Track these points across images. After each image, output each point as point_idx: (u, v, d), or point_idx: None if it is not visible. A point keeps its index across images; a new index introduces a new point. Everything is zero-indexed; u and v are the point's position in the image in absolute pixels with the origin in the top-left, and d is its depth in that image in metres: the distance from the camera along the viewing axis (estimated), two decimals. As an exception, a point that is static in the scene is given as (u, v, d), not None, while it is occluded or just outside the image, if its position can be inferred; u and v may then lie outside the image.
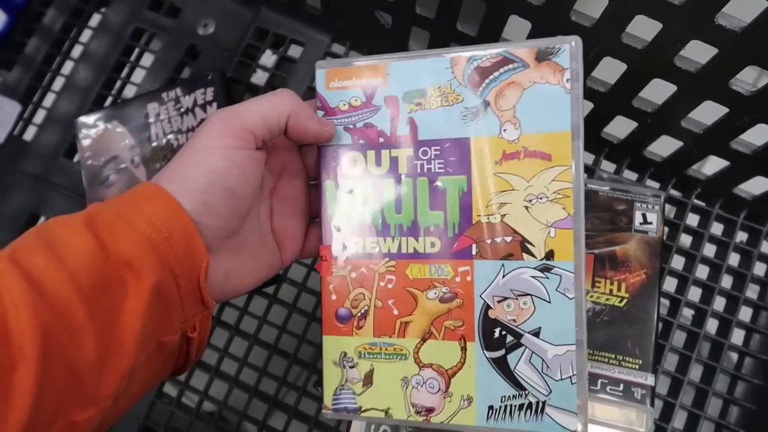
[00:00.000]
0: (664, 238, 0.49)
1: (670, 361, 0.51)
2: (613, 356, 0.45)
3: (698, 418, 0.49)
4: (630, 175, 0.56)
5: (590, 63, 0.45)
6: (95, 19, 0.66)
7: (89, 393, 0.27)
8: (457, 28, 0.48)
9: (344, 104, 0.37)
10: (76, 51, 0.65)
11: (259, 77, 0.61)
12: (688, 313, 0.53)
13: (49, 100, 0.64)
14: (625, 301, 0.47)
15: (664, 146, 0.51)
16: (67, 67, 0.65)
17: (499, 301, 0.35)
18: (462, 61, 0.35)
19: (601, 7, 0.39)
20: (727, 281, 0.53)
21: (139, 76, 0.64)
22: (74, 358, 0.26)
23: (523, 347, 0.35)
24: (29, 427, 0.24)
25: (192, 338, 0.32)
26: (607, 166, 0.56)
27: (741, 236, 0.54)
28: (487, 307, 0.35)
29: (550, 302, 0.34)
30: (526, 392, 0.34)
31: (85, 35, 0.66)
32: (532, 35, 0.45)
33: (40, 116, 0.64)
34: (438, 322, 0.36)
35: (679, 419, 0.50)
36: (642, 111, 0.47)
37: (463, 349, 0.35)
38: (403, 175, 0.36)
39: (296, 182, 0.38)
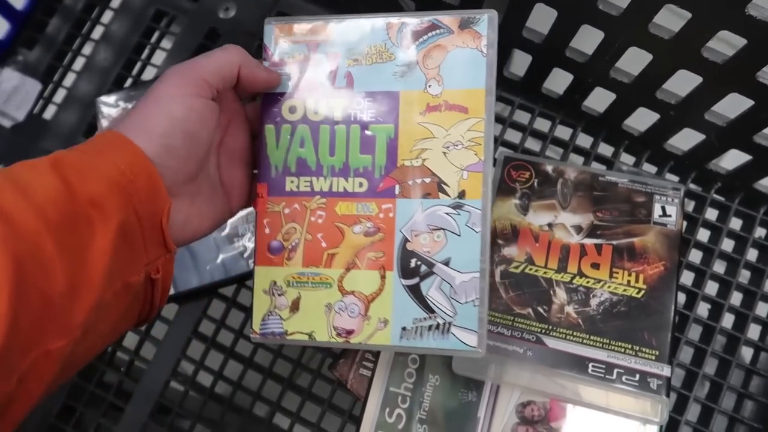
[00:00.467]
0: (683, 231, 0.49)
1: (686, 354, 0.51)
2: (630, 347, 0.45)
3: (712, 411, 0.49)
4: (649, 168, 0.56)
5: (615, 53, 0.45)
6: (116, 1, 0.66)
7: (61, 321, 0.28)
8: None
9: (289, 57, 0.41)
10: (97, 32, 0.66)
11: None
12: (704, 307, 0.53)
13: (69, 79, 0.64)
14: (642, 292, 0.47)
15: (685, 139, 0.51)
16: (88, 47, 0.65)
17: (416, 235, 0.39)
18: (396, 25, 0.40)
19: None
20: (744, 276, 0.53)
21: (159, 58, 0.64)
22: (46, 287, 0.27)
23: (435, 275, 0.39)
24: (5, 355, 0.25)
25: (156, 280, 0.34)
26: (627, 159, 0.56)
27: (760, 232, 0.54)
28: (406, 240, 0.39)
29: (459, 235, 0.38)
30: (435, 315, 0.39)
31: (107, 16, 0.66)
32: (557, 23, 0.45)
33: (60, 96, 0.64)
34: (362, 253, 0.39)
35: (693, 412, 0.50)
36: (665, 103, 0.47)
37: (383, 277, 0.39)
38: (337, 122, 0.40)
39: (241, 136, 0.40)
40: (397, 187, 0.39)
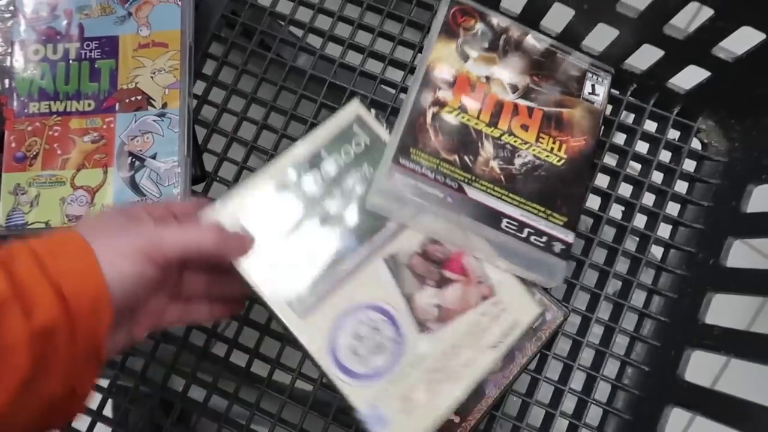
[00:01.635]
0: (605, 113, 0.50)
1: (599, 254, 0.52)
2: (543, 210, 0.46)
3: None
4: (568, 72, 0.55)
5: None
6: None
7: None
8: None
9: (35, 13, 0.53)
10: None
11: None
12: (617, 209, 0.54)
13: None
14: (563, 161, 0.48)
15: (599, 39, 0.51)
16: None
17: (131, 139, 0.51)
18: None
19: None
20: (657, 178, 0.54)
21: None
22: None
23: (146, 168, 0.51)
24: None
25: (77, 393, 0.33)
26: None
27: (673, 134, 0.54)
28: (123, 144, 0.51)
29: (163, 136, 0.51)
30: (146, 197, 0.50)
31: None
32: None
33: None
34: (89, 156, 0.51)
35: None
36: (578, -4, 0.46)
37: (105, 173, 0.50)
38: (71, 60, 0.52)
39: (160, 295, 0.40)
40: (117, 104, 0.52)
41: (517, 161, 0.47)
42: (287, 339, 0.51)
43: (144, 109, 0.51)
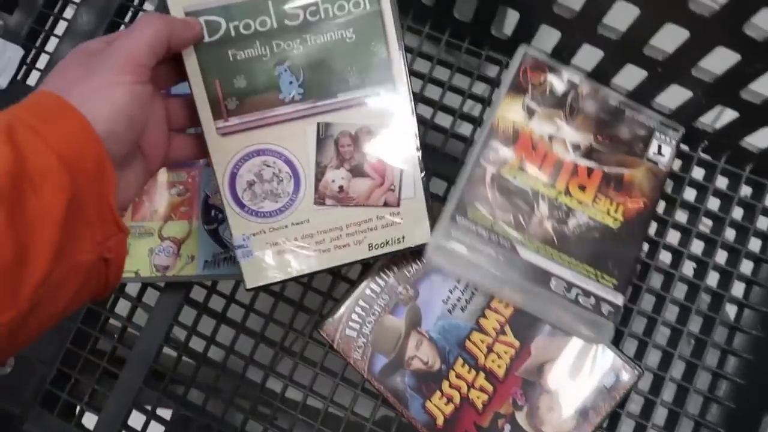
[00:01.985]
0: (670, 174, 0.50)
1: (671, 311, 0.52)
2: (593, 271, 0.47)
3: (695, 367, 0.50)
4: (637, 127, 0.56)
5: (601, 8, 0.44)
6: (97, -37, 0.65)
7: (8, 294, 0.28)
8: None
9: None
10: (79, -5, 0.64)
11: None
12: (689, 266, 0.53)
13: (51, 44, 0.63)
14: (618, 223, 0.48)
15: (672, 97, 0.51)
16: (70, 12, 0.64)
17: (215, 193, 0.52)
18: None
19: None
20: (729, 235, 0.53)
21: (142, 22, 0.63)
22: None
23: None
24: None
25: (109, 260, 0.34)
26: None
27: (746, 190, 0.54)
28: (207, 197, 0.53)
29: None
30: (229, 250, 0.52)
31: (87, -21, 0.65)
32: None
33: (42, 61, 0.63)
34: (176, 209, 0.53)
35: (678, 368, 0.51)
36: (652, 59, 0.47)
37: (190, 225, 0.52)
38: None
39: (158, 99, 0.40)
40: (202, 160, 0.52)
41: (571, 222, 0.48)
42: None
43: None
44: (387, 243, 0.44)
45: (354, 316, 0.50)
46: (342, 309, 0.50)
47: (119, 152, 0.35)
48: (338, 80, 0.41)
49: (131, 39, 0.35)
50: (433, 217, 0.45)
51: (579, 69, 0.54)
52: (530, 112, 0.50)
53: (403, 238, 0.44)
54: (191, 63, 0.40)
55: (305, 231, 0.43)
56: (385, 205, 0.44)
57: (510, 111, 0.50)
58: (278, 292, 0.54)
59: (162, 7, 0.40)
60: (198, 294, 0.55)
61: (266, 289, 0.54)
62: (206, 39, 0.40)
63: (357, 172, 0.43)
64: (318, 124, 0.42)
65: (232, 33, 0.40)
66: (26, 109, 0.32)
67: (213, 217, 0.53)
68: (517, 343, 0.49)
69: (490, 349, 0.49)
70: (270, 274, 0.44)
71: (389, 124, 0.43)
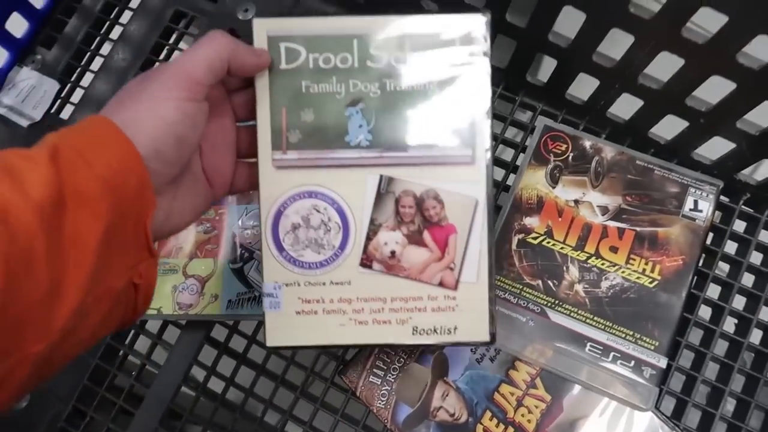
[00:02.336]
0: (710, 229, 0.49)
1: (712, 368, 0.50)
2: (632, 333, 0.46)
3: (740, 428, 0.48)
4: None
5: (644, 58, 0.44)
6: (135, 1, 0.66)
7: (41, 325, 0.27)
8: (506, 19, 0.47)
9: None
10: (116, 32, 0.65)
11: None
12: (731, 321, 0.51)
13: (86, 80, 0.64)
14: (656, 283, 0.47)
15: (713, 148, 0.50)
16: (106, 48, 0.65)
17: (242, 231, 0.52)
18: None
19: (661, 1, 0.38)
20: (773, 291, 0.51)
21: (177, 58, 0.63)
22: (30, 289, 0.26)
23: (254, 260, 0.52)
24: None
25: (138, 285, 0.33)
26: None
27: (789, 245, 0.52)
28: (234, 235, 0.52)
29: None
30: (253, 290, 0.51)
31: (125, 16, 0.66)
32: (585, 26, 0.44)
33: (77, 96, 0.64)
34: (201, 246, 0.52)
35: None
36: (695, 110, 0.46)
37: (215, 263, 0.52)
38: None
39: (224, 121, 0.39)
40: (229, 197, 0.52)
41: (604, 284, 0.47)
42: None
43: (254, 203, 0.52)
44: (435, 331, 0.38)
45: (378, 363, 0.49)
46: (366, 355, 0.49)
47: (167, 173, 0.34)
48: (412, 134, 0.38)
49: (189, 55, 0.34)
50: (494, 315, 0.38)
51: (615, 120, 0.53)
52: (554, 181, 0.50)
53: (456, 329, 0.38)
54: (261, 85, 0.38)
55: (344, 294, 0.38)
56: (441, 284, 0.38)
57: (533, 181, 0.50)
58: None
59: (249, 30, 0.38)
60: (219, 333, 0.54)
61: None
62: (282, 65, 0.38)
63: (414, 239, 0.38)
64: (381, 176, 0.38)
65: (311, 65, 0.37)
66: (74, 131, 0.31)
67: (239, 256, 0.52)
68: (548, 398, 0.47)
69: (519, 403, 0.47)
70: (295, 336, 0.39)
71: (460, 192, 0.38)
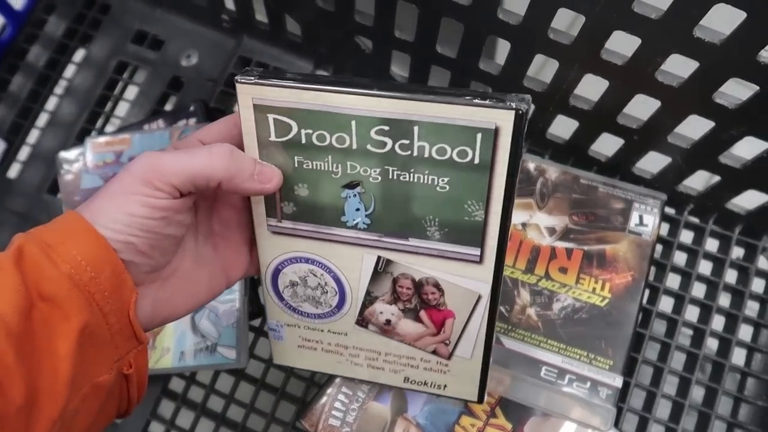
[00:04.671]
0: (656, 242, 0.49)
1: (670, 382, 0.50)
2: (585, 354, 0.45)
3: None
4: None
5: (571, 81, 0.44)
6: (79, 54, 0.66)
7: None
8: (437, 50, 0.48)
9: (100, 160, 0.49)
10: (61, 86, 0.65)
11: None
12: (686, 332, 0.51)
13: (33, 136, 0.64)
14: (606, 301, 0.47)
15: (653, 163, 0.50)
16: (52, 102, 0.65)
17: None
18: None
19: (579, 25, 0.39)
20: (724, 299, 0.51)
21: (123, 109, 0.63)
22: (1, 404, 0.25)
23: (205, 309, 0.50)
24: None
25: (129, 375, 0.31)
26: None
27: (737, 252, 0.52)
28: None
29: None
30: (206, 339, 0.50)
31: (69, 70, 0.66)
32: (512, 54, 0.45)
33: (24, 153, 0.63)
34: None
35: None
36: (627, 128, 0.46)
37: None
38: None
39: (234, 198, 0.36)
40: None
41: (556, 306, 0.47)
42: None
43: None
44: (425, 384, 0.41)
45: (337, 404, 0.48)
46: (324, 397, 0.48)
47: (145, 263, 0.31)
48: (414, 225, 0.35)
49: (177, 157, 0.31)
50: (486, 379, 0.40)
51: (555, 141, 0.54)
52: None
53: (445, 386, 0.40)
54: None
55: (341, 341, 0.40)
56: (434, 353, 0.39)
57: None
58: (259, 379, 0.52)
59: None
60: (177, 385, 0.53)
61: (246, 376, 0.52)
62: (272, 138, 0.33)
63: (410, 315, 0.38)
64: (379, 257, 0.36)
65: (303, 140, 0.33)
66: (43, 229, 0.30)
67: (190, 305, 0.51)
68: (509, 426, 0.47)
69: (481, 434, 0.47)
70: (298, 361, 0.43)
71: (463, 285, 0.36)
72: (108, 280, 0.29)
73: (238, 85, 0.33)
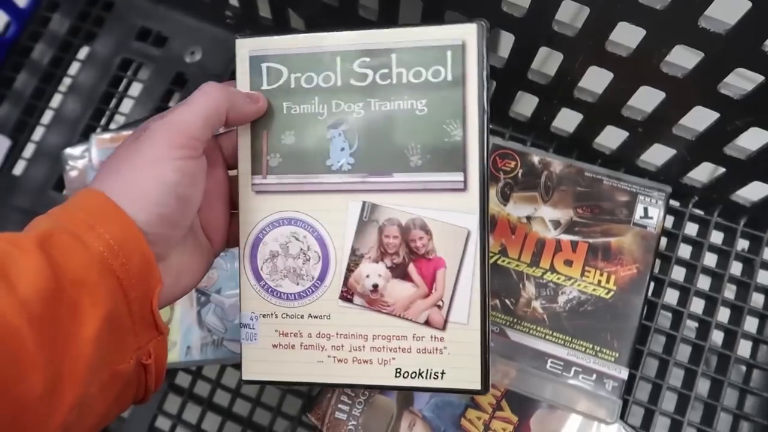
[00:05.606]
0: (661, 234, 0.49)
1: (676, 374, 0.50)
2: (591, 346, 0.46)
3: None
4: (625, 186, 0.55)
5: (576, 73, 0.44)
6: (83, 52, 0.66)
7: (37, 426, 0.25)
8: None
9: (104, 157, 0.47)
10: (65, 84, 0.65)
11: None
12: (692, 325, 0.51)
13: (38, 133, 0.64)
14: (612, 293, 0.47)
15: (658, 155, 0.50)
16: (56, 100, 0.65)
17: None
18: None
19: (583, 17, 0.39)
20: (730, 291, 0.51)
21: (127, 106, 0.64)
22: (22, 391, 0.24)
23: (211, 303, 0.51)
24: None
25: (148, 365, 0.31)
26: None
27: (742, 244, 0.52)
28: None
29: (227, 270, 0.51)
30: (212, 334, 0.50)
31: (74, 68, 0.66)
32: (515, 47, 0.45)
33: (29, 150, 0.64)
34: None
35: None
36: (632, 120, 0.46)
37: (172, 310, 0.51)
38: None
39: (217, 172, 0.37)
40: None
41: (561, 299, 0.47)
42: None
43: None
44: (420, 374, 0.35)
45: (343, 398, 0.48)
46: (331, 390, 0.48)
47: (175, 235, 0.32)
48: (397, 157, 0.35)
49: (185, 110, 0.32)
50: (487, 359, 0.35)
51: (559, 134, 0.54)
52: (505, 198, 0.50)
53: (443, 374, 0.35)
54: None
55: (323, 329, 0.36)
56: (427, 323, 0.35)
57: None
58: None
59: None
60: (183, 380, 0.54)
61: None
62: (264, 86, 0.36)
63: (399, 273, 0.36)
64: (363, 202, 0.36)
65: (292, 84, 0.36)
66: (66, 211, 0.29)
67: (195, 301, 0.51)
68: (515, 419, 0.47)
69: (487, 427, 0.47)
70: (271, 372, 0.37)
71: (451, 222, 0.35)
72: (137, 266, 0.29)
73: (237, 41, 0.36)
